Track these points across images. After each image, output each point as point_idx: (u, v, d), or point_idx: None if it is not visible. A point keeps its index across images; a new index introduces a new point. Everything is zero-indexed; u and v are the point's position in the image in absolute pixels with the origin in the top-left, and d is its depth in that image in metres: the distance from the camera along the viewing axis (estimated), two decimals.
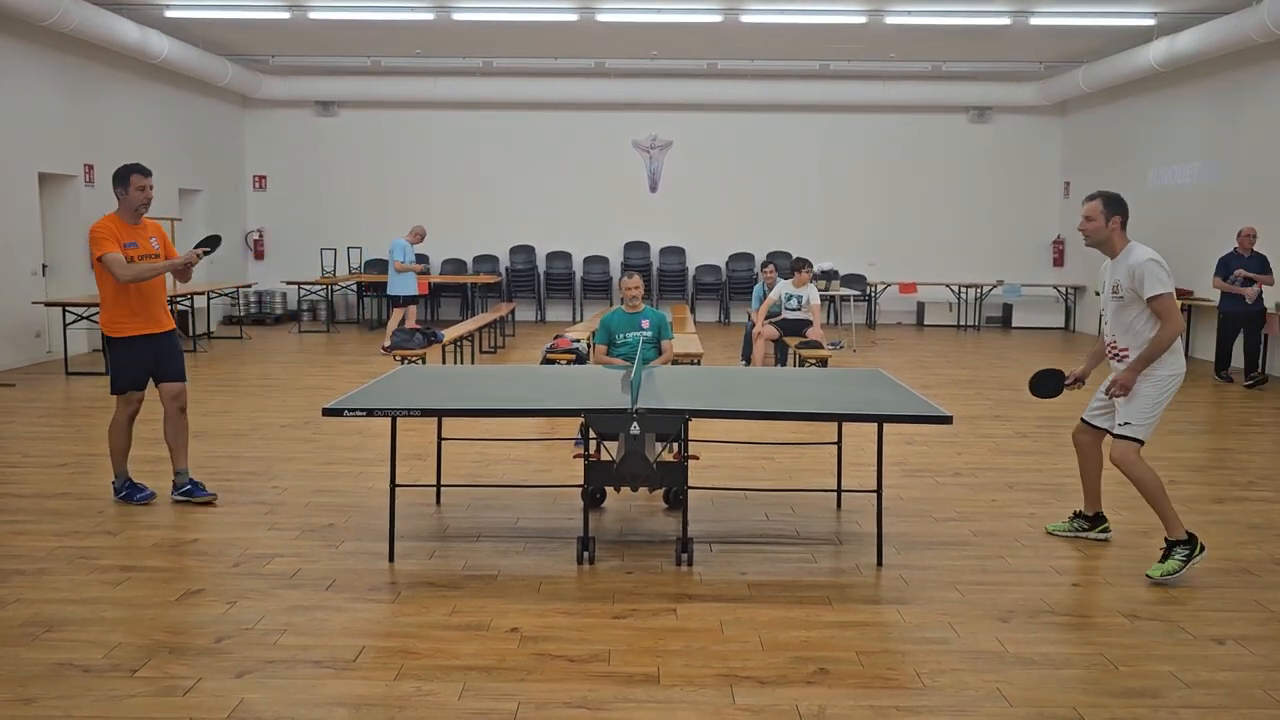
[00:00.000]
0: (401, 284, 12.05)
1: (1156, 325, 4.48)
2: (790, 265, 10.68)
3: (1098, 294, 4.90)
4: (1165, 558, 4.49)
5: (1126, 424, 4.54)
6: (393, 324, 11.93)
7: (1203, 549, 4.50)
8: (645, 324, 6.90)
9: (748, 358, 10.46)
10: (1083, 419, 4.97)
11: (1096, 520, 5.11)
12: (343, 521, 5.25)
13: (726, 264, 16.79)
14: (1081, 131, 16.10)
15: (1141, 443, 4.52)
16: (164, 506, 5.51)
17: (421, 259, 14.27)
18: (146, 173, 5.45)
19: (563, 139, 16.75)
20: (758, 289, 11.54)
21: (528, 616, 4.02)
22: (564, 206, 16.85)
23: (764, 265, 11.70)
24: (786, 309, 10.45)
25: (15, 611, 4.01)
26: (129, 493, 5.59)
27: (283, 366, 11.03)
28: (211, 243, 5.57)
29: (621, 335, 6.92)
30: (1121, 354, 4.64)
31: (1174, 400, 4.66)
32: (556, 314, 17.08)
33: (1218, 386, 10.39)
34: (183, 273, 5.50)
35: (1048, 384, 4.98)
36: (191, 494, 5.63)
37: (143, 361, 5.47)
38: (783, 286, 10.52)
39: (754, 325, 10.51)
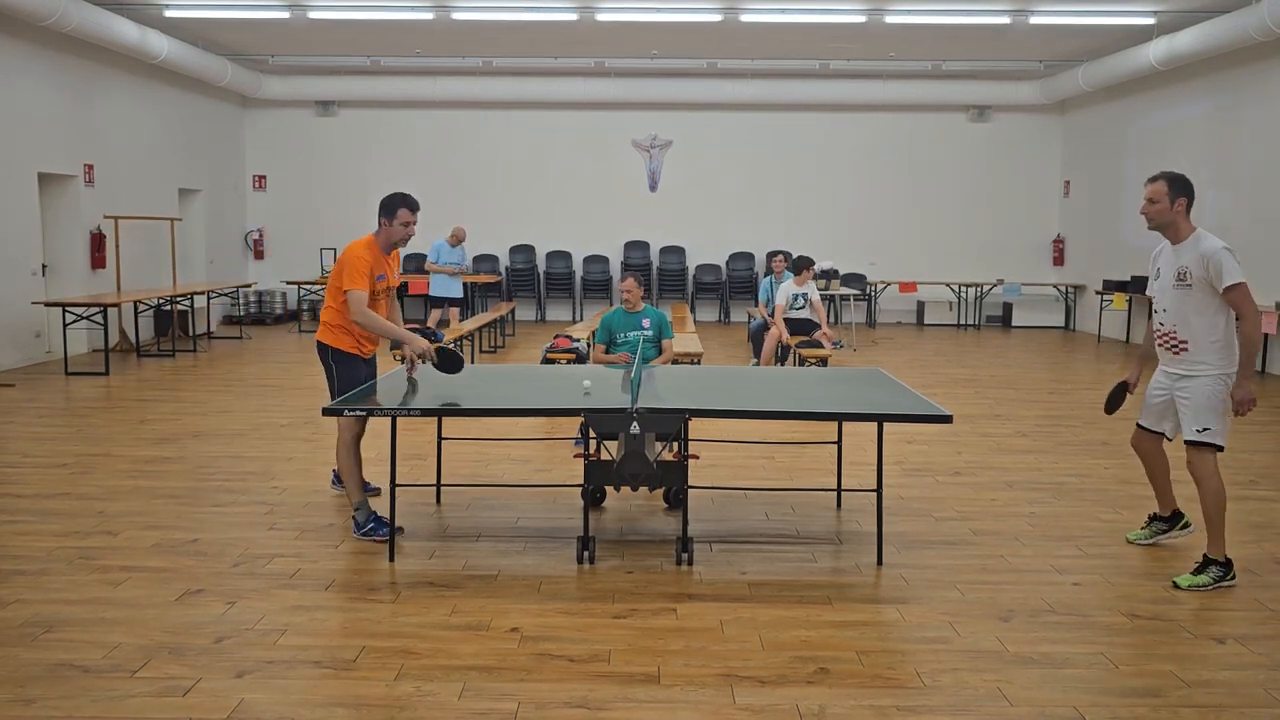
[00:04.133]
0: (438, 285, 12.16)
1: (1220, 315, 4.32)
2: (791, 264, 10.67)
3: (1148, 281, 4.65)
4: (1199, 571, 4.40)
5: (1207, 429, 4.34)
6: (431, 323, 11.95)
7: (1234, 576, 4.41)
8: (646, 323, 6.91)
9: (760, 356, 10.41)
10: (1139, 425, 4.81)
11: (1175, 519, 4.97)
12: (343, 522, 5.25)
13: (726, 263, 16.78)
14: (1081, 130, 16.09)
15: (1221, 449, 4.37)
16: (164, 507, 5.50)
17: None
18: (415, 207, 5.16)
19: (562, 139, 16.74)
20: (766, 282, 11.39)
21: (528, 616, 4.02)
22: (564, 206, 16.85)
23: (773, 255, 11.30)
24: (791, 308, 10.44)
25: (15, 612, 4.01)
26: (375, 527, 4.97)
27: (283, 366, 11.03)
28: (446, 363, 5.24)
29: (622, 335, 6.93)
30: (1181, 346, 4.41)
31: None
32: (556, 314, 17.08)
33: None
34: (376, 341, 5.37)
35: (1115, 397, 4.99)
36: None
37: (361, 376, 5.29)
38: (786, 288, 10.48)
39: (763, 324, 10.44)
